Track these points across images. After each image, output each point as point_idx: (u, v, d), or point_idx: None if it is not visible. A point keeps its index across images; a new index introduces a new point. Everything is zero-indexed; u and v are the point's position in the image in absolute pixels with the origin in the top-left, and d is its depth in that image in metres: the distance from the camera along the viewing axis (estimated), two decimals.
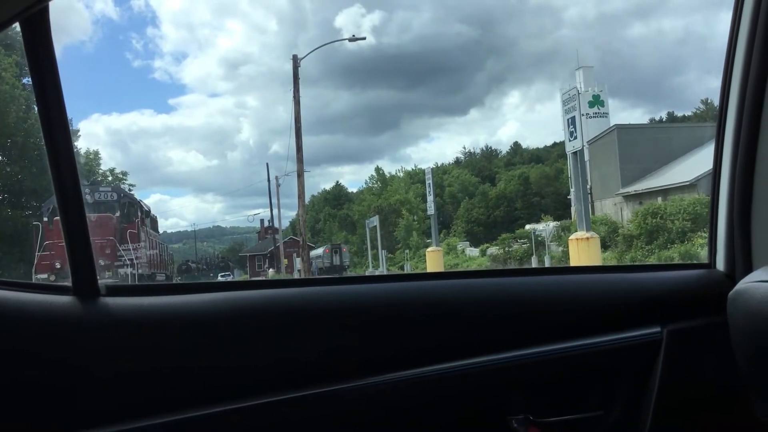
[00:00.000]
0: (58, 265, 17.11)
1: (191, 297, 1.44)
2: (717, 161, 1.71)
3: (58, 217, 1.37)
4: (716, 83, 1.71)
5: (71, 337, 1.31)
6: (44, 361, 1.28)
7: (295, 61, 24.16)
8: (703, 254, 1.80)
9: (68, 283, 1.37)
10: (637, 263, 18.10)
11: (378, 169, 71.44)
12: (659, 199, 28.74)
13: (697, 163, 27.52)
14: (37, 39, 1.26)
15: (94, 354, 1.31)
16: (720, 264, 1.71)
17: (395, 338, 1.50)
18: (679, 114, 64.70)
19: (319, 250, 45.50)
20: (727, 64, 1.65)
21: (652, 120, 66.49)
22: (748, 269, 1.59)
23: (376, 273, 31.23)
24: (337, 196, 78.08)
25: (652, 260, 22.93)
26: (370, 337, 1.49)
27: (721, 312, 1.20)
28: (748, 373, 1.12)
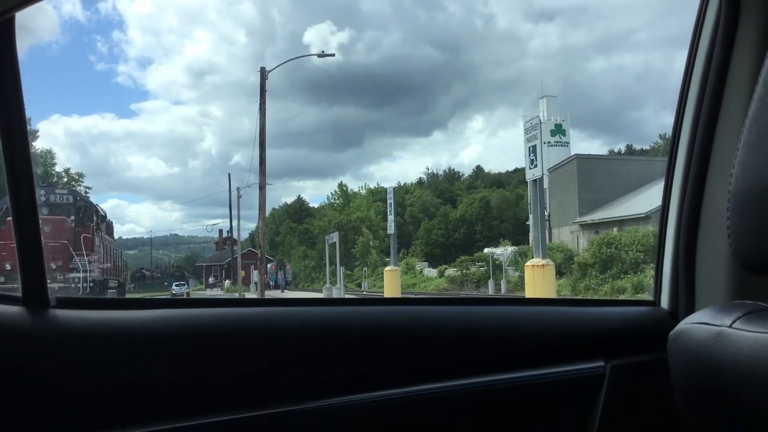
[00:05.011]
0: (8, 267, 16.69)
1: (142, 312, 1.43)
2: (665, 201, 1.76)
3: (10, 218, 1.35)
4: (672, 119, 1.76)
5: (18, 349, 1.28)
6: None
7: (263, 73, 24.07)
8: None
9: (17, 292, 1.34)
10: (584, 298, 18.36)
11: (341, 185, 71.36)
12: (615, 229, 29.26)
13: (653, 196, 28.07)
14: (0, 44, 1.24)
15: (42, 366, 1.29)
16: (664, 302, 1.75)
17: (343, 362, 1.51)
18: (638, 147, 66.11)
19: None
20: (680, 104, 1.70)
21: (610, 152, 67.84)
22: (691, 309, 1.64)
23: (334, 289, 31.11)
24: (299, 210, 77.58)
25: (605, 289, 23.31)
26: (317, 361, 1.49)
27: (663, 349, 1.23)
28: (684, 412, 1.15)
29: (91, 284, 19.89)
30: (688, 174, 1.66)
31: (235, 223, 41.66)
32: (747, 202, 0.89)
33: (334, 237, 36.98)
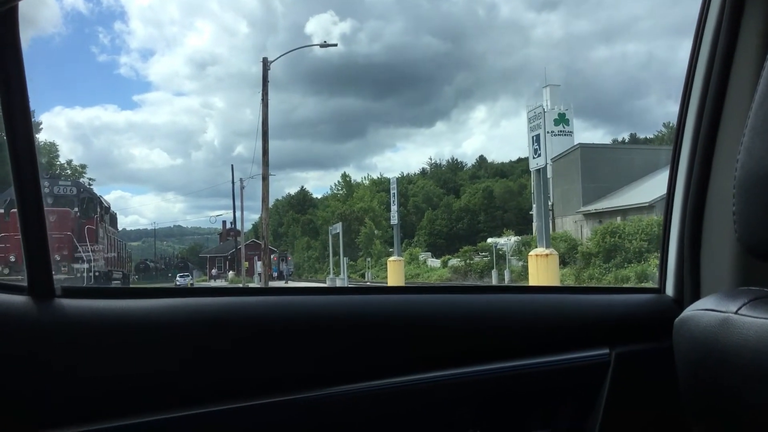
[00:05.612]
0: (12, 258, 16.77)
1: (148, 302, 1.43)
2: (670, 188, 1.75)
3: (15, 210, 1.35)
4: (677, 108, 1.75)
5: (24, 338, 1.29)
6: None
7: (265, 63, 24.02)
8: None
9: (23, 281, 1.35)
10: (588, 285, 18.38)
11: (345, 176, 71.35)
12: (618, 218, 29.23)
13: (656, 185, 28.09)
14: (4, 35, 1.24)
15: (48, 356, 1.29)
16: (669, 289, 1.75)
17: (346, 351, 1.51)
18: (641, 136, 65.87)
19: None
20: (685, 92, 1.69)
21: (614, 141, 67.64)
22: (696, 296, 1.64)
23: (337, 280, 31.19)
24: (302, 201, 77.72)
25: (609, 278, 23.33)
26: (321, 350, 1.49)
27: (668, 337, 1.23)
28: (688, 400, 1.15)
29: (96, 275, 19.96)
30: (693, 160, 1.65)
31: (238, 214, 41.88)
32: (753, 188, 0.89)
33: (338, 227, 37.05)
